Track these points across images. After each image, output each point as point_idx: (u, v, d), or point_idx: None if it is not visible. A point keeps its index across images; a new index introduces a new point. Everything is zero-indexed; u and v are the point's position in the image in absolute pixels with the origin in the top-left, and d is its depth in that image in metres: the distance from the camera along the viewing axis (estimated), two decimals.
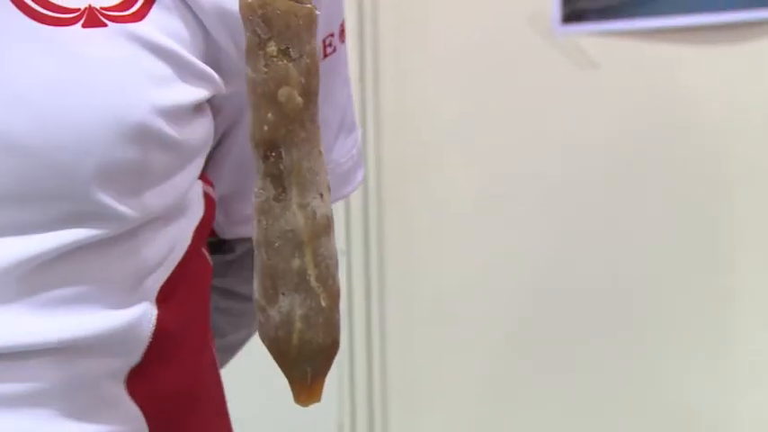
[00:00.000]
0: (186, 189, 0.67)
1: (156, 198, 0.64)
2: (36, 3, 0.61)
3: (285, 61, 0.48)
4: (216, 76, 0.65)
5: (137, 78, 0.60)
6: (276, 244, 0.51)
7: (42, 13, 0.61)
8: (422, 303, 1.75)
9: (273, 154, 0.50)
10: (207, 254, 0.75)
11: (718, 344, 1.61)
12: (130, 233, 0.65)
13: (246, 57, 0.49)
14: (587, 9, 1.59)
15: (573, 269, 1.69)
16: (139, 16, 0.63)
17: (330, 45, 0.80)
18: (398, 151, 1.74)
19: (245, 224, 0.79)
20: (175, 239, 0.68)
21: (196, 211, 0.71)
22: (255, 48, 0.48)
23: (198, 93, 0.64)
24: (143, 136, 0.60)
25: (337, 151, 0.82)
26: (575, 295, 1.69)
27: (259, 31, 0.48)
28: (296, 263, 0.52)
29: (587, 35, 1.61)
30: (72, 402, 0.64)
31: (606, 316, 1.67)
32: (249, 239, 0.81)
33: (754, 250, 1.59)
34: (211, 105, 0.67)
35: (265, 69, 0.49)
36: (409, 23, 1.71)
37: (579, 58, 1.60)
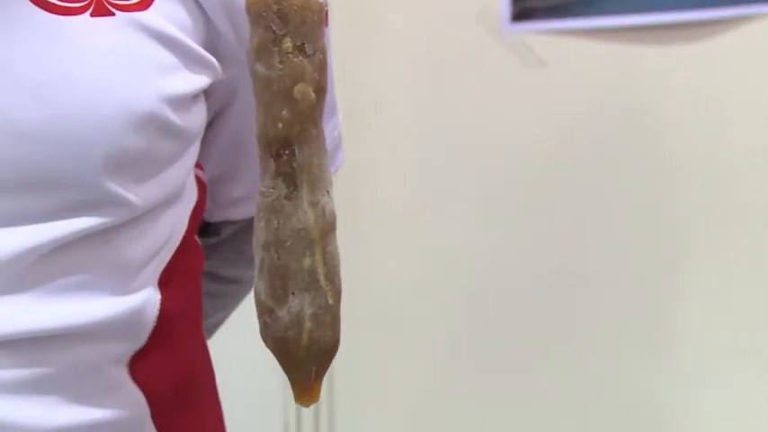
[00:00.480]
0: (186, 175, 0.68)
1: (160, 185, 0.65)
2: None
3: (301, 57, 0.48)
4: (215, 62, 0.66)
5: (144, 68, 0.60)
6: (288, 243, 0.51)
7: (51, 3, 0.61)
8: (367, 304, 1.75)
9: (287, 152, 0.50)
10: (198, 238, 0.77)
11: (666, 342, 1.64)
12: (135, 220, 0.66)
13: (258, 54, 0.49)
14: (536, 7, 1.58)
15: (517, 269, 1.70)
16: (145, 5, 0.64)
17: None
18: (345, 151, 1.74)
19: (232, 207, 0.82)
20: (174, 224, 0.70)
21: (191, 196, 0.72)
22: (270, 44, 0.48)
23: (200, 80, 0.65)
24: (150, 124, 0.61)
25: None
26: (518, 295, 1.70)
27: (274, 27, 0.48)
28: (307, 261, 0.51)
29: (536, 33, 1.61)
30: (77, 388, 0.65)
31: (550, 316, 1.69)
32: (235, 222, 0.84)
33: (702, 249, 1.62)
34: (205, 90, 0.68)
35: (280, 66, 0.48)
36: (358, 21, 1.70)
37: (527, 56, 1.61)
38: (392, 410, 1.77)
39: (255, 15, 0.48)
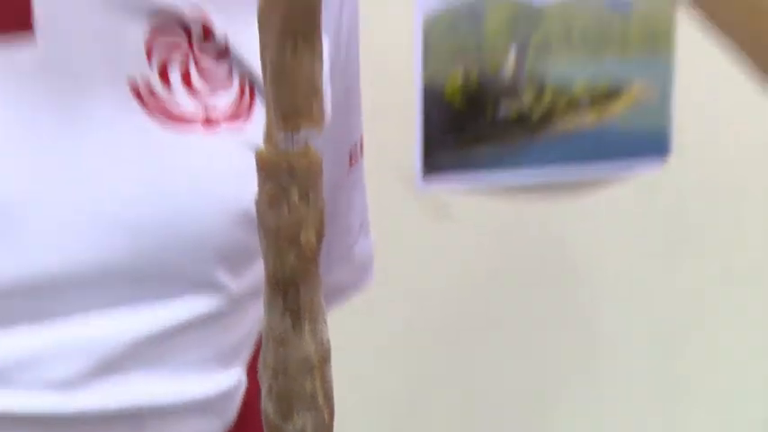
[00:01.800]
0: None
1: (256, 273, 0.74)
2: (160, 113, 0.74)
3: (305, 206, 0.56)
4: None
5: (245, 173, 0.66)
6: (292, 370, 0.58)
7: (166, 117, 0.74)
8: None
9: (292, 290, 0.57)
10: None
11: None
12: (234, 306, 0.76)
13: (269, 205, 0.57)
14: (448, 164, 1.57)
15: None
16: (246, 116, 0.76)
17: (355, 154, 0.95)
18: None
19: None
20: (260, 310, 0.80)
21: None
22: (280, 195, 0.56)
23: None
24: (249, 220, 0.69)
25: (359, 248, 1.00)
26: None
27: (283, 182, 0.56)
28: (308, 386, 0.59)
29: (448, 190, 1.61)
30: None
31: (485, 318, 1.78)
32: None
33: None
34: None
35: (288, 216, 0.56)
36: None
37: (439, 211, 1.66)
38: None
39: (268, 172, 0.56)
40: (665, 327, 1.82)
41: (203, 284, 0.74)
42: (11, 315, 0.71)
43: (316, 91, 0.55)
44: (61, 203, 0.71)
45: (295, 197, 0.56)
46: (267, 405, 0.60)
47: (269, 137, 0.56)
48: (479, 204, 1.67)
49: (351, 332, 1.63)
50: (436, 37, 1.54)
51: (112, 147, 0.72)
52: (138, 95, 0.73)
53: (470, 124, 1.56)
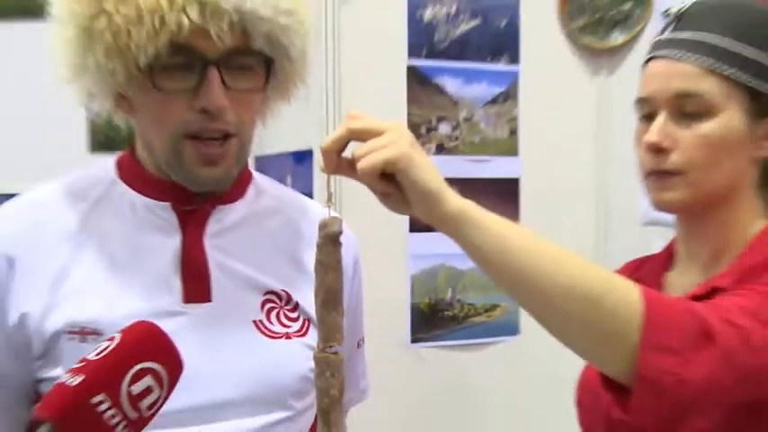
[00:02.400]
0: None
1: (308, 402, 1.48)
2: (267, 330, 1.45)
3: (334, 378, 1.24)
4: None
5: (303, 358, 1.42)
6: None
7: (268, 333, 1.46)
8: None
9: (330, 415, 1.25)
10: None
11: None
12: (298, 416, 1.48)
13: (317, 375, 1.23)
14: (423, 336, 2.80)
15: None
16: (306, 335, 1.49)
17: (361, 343, 1.69)
18: None
19: None
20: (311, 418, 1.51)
21: None
22: (323, 372, 1.24)
23: None
24: (307, 379, 1.40)
25: (362, 384, 1.77)
26: None
27: (324, 367, 1.24)
28: None
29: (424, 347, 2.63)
30: None
31: None
32: None
33: None
34: None
35: (326, 382, 1.24)
36: None
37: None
38: None
39: (317, 362, 1.24)
40: None
41: (284, 406, 1.45)
42: (184, 422, 1.37)
43: (339, 328, 1.25)
44: (215, 371, 1.40)
45: (329, 373, 1.25)
46: None
47: (318, 347, 1.25)
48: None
49: None
50: (417, 284, 2.62)
51: (243, 347, 1.43)
52: (257, 326, 1.46)
53: (431, 320, 2.80)
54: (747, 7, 1.51)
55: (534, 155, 2.71)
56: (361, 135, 1.22)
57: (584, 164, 2.82)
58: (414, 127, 2.62)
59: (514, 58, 2.75)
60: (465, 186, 2.70)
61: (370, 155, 1.19)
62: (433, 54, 2.66)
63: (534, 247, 1.23)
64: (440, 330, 2.68)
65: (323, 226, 1.23)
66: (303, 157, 2.62)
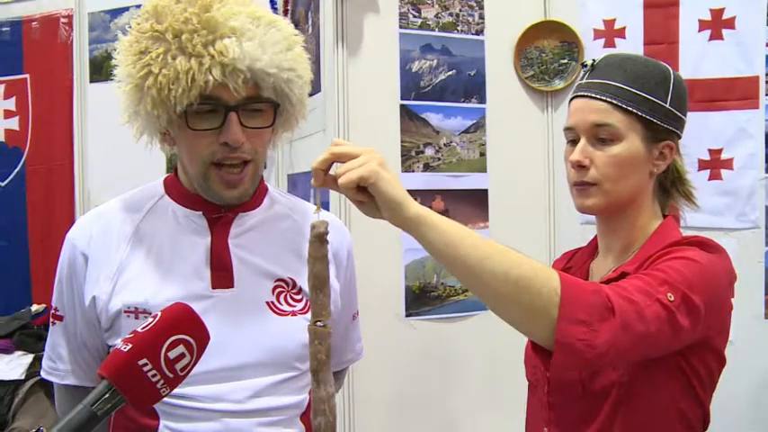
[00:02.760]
0: None
1: (307, 365, 1.39)
2: (277, 309, 1.42)
3: (321, 345, 1.24)
4: None
5: (305, 331, 1.32)
6: (315, 403, 1.24)
7: (278, 312, 1.44)
8: None
9: (319, 374, 1.24)
10: None
11: None
12: (301, 375, 1.46)
13: (311, 344, 1.25)
14: (415, 310, 2.67)
15: None
16: (305, 312, 1.46)
17: (355, 315, 1.66)
18: None
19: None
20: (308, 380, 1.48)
21: None
22: (314, 342, 1.24)
23: None
24: (306, 346, 1.31)
25: (359, 346, 1.74)
26: None
27: (315, 338, 1.24)
28: (324, 408, 1.25)
29: (415, 320, 2.55)
30: None
31: None
32: None
33: None
34: None
35: (317, 348, 1.24)
36: None
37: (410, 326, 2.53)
38: None
39: (311, 334, 1.25)
40: None
41: (290, 367, 1.45)
42: (214, 380, 1.38)
43: (326, 307, 1.24)
44: (237, 341, 1.39)
45: (317, 342, 1.25)
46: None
47: (311, 322, 1.25)
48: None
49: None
50: (410, 271, 2.50)
51: (259, 323, 1.42)
52: (269, 306, 1.44)
53: (420, 299, 2.67)
54: (641, 62, 1.52)
55: (499, 172, 2.72)
56: (342, 157, 1.23)
57: (536, 179, 2.82)
58: (406, 151, 2.63)
59: (482, 99, 2.75)
60: (446, 196, 2.75)
61: (348, 172, 1.20)
62: (419, 96, 2.67)
63: (477, 243, 1.24)
64: (427, 307, 2.66)
65: (313, 227, 1.23)
66: None
